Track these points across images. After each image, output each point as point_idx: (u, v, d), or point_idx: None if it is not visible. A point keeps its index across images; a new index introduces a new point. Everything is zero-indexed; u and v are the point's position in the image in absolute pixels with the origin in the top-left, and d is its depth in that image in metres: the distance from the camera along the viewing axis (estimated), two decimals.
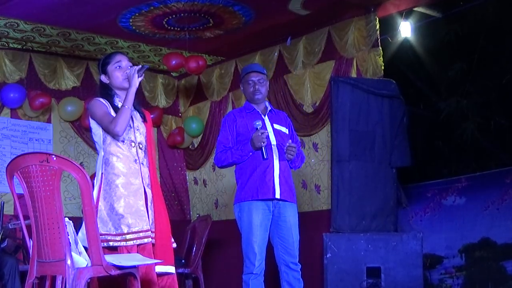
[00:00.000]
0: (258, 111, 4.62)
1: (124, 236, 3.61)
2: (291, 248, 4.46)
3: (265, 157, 4.38)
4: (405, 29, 6.87)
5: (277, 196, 4.44)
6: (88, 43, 7.17)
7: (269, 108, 4.68)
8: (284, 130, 4.64)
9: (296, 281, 4.46)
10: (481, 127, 8.39)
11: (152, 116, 4.25)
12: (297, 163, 4.64)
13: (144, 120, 3.95)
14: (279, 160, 4.48)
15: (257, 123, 4.43)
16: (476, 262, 6.49)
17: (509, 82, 7.91)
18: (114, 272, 3.25)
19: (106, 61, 3.87)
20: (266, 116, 4.62)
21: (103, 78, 3.88)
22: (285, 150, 4.46)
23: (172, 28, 6.83)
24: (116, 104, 3.81)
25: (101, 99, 3.81)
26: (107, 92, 3.86)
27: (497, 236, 6.38)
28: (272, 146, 4.48)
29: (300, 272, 4.49)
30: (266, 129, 4.52)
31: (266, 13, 6.52)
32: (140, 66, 3.77)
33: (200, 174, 8.27)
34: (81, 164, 6.71)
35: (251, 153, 4.45)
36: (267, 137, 4.43)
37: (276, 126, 4.60)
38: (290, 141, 4.51)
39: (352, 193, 5.94)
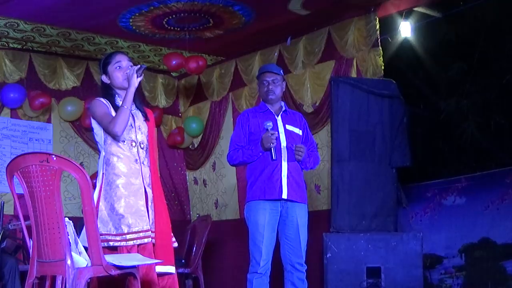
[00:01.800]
0: (271, 111, 4.63)
1: (124, 236, 3.61)
2: (297, 248, 4.46)
3: (273, 158, 4.39)
4: (405, 29, 6.86)
5: (284, 196, 4.44)
6: (88, 43, 7.17)
7: (283, 108, 4.68)
8: (297, 131, 4.64)
9: (300, 282, 4.46)
10: (481, 127, 8.38)
11: None
12: (308, 164, 4.63)
13: (146, 119, 3.95)
14: (288, 161, 4.48)
15: (268, 124, 4.44)
16: (476, 262, 6.48)
17: (509, 82, 7.91)
18: (114, 272, 3.24)
19: (107, 61, 3.87)
20: (279, 116, 4.62)
21: (104, 78, 3.88)
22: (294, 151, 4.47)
23: (172, 28, 6.83)
24: (117, 103, 3.81)
25: (102, 99, 3.81)
26: (108, 92, 3.86)
27: (497, 236, 6.37)
28: (282, 147, 4.49)
29: (305, 274, 4.49)
30: (278, 129, 4.53)
31: (266, 13, 6.52)
32: (139, 66, 3.77)
33: (200, 174, 8.27)
34: (81, 164, 6.71)
35: (261, 154, 4.46)
36: (277, 138, 4.44)
37: (289, 127, 4.60)
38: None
39: (352, 193, 5.94)
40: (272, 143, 4.37)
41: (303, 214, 4.54)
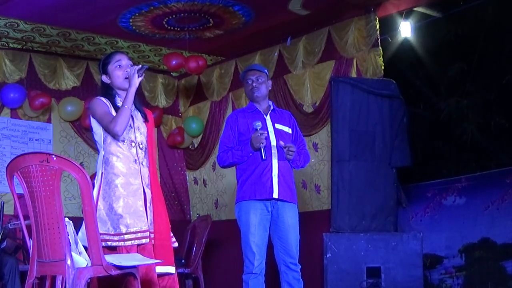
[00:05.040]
0: (260, 111, 4.62)
1: (122, 236, 3.61)
2: (290, 248, 4.45)
3: (263, 157, 4.37)
4: (405, 29, 6.87)
5: (275, 196, 4.43)
6: (88, 43, 7.17)
7: (272, 107, 4.67)
8: (287, 129, 4.63)
9: (296, 281, 4.46)
10: (481, 127, 8.39)
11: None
12: (298, 163, 4.62)
13: (146, 120, 3.95)
14: (278, 160, 4.47)
15: (257, 123, 4.42)
16: (476, 262, 6.48)
17: (509, 82, 7.91)
18: (114, 272, 3.24)
19: (106, 61, 3.88)
20: (268, 115, 4.61)
21: (104, 78, 3.88)
22: (284, 151, 4.46)
23: (172, 28, 6.83)
24: (117, 104, 3.81)
25: (102, 98, 3.81)
26: (108, 92, 3.86)
27: (497, 236, 6.37)
28: (272, 147, 4.48)
29: (300, 273, 4.49)
30: (267, 129, 4.51)
31: (266, 13, 6.52)
32: (140, 66, 3.77)
33: (200, 174, 8.27)
34: (81, 164, 6.71)
35: (251, 154, 4.45)
36: (267, 137, 4.42)
37: (278, 126, 4.59)
38: (282, 142, 4.48)
39: (352, 193, 5.94)
40: (262, 143, 4.36)
41: (294, 215, 4.52)
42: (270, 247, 4.51)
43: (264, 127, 4.51)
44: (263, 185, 4.42)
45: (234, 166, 4.65)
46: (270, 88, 4.73)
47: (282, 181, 4.47)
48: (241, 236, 4.49)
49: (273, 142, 4.50)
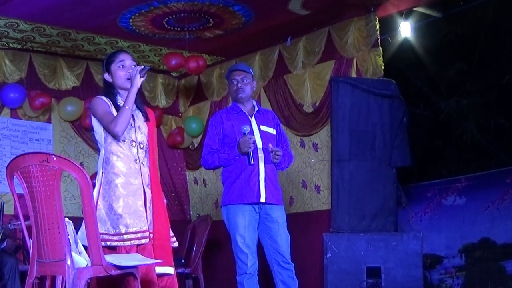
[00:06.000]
0: (244, 112, 4.60)
1: (122, 236, 3.61)
2: (281, 248, 4.46)
3: (251, 162, 4.37)
4: (405, 29, 6.87)
5: (262, 200, 4.44)
6: (88, 43, 7.17)
7: (256, 108, 4.65)
8: (271, 131, 4.61)
9: (291, 279, 4.46)
10: (481, 127, 8.39)
11: None
12: (284, 165, 4.62)
13: (147, 119, 3.94)
14: (265, 164, 4.47)
15: (245, 128, 4.40)
16: (476, 262, 6.48)
17: (509, 82, 7.91)
18: (114, 272, 3.24)
19: (110, 60, 3.87)
20: (253, 117, 4.59)
21: (107, 76, 3.87)
22: (271, 155, 4.45)
23: (172, 28, 6.83)
24: (118, 103, 3.80)
25: (104, 98, 3.80)
26: (110, 91, 3.86)
27: (497, 236, 6.38)
28: (258, 149, 4.47)
29: (294, 271, 4.49)
30: (253, 132, 4.50)
31: (266, 13, 6.52)
32: (142, 66, 3.76)
33: (200, 174, 8.27)
34: (81, 164, 6.71)
35: (237, 157, 4.44)
36: (254, 141, 4.41)
37: (263, 128, 4.57)
38: (270, 145, 4.48)
39: (352, 193, 5.95)
40: (250, 148, 4.35)
41: (281, 215, 4.54)
42: (260, 248, 4.52)
43: (251, 130, 4.49)
44: (250, 189, 4.42)
45: (219, 168, 4.64)
46: (255, 88, 4.71)
47: (269, 184, 4.47)
48: (231, 239, 4.49)
49: (259, 144, 4.48)
